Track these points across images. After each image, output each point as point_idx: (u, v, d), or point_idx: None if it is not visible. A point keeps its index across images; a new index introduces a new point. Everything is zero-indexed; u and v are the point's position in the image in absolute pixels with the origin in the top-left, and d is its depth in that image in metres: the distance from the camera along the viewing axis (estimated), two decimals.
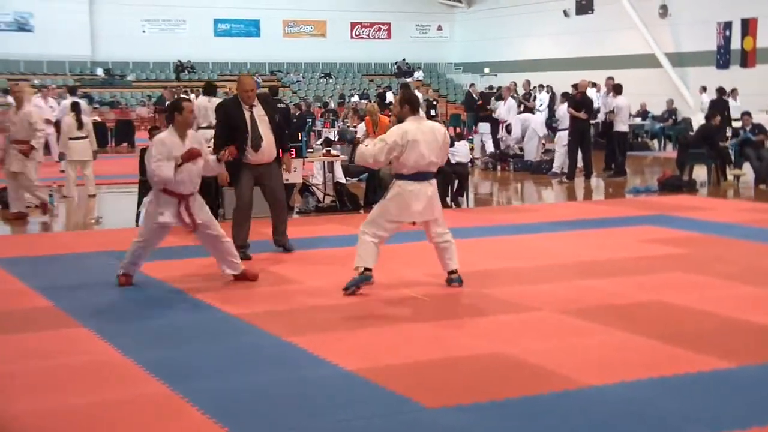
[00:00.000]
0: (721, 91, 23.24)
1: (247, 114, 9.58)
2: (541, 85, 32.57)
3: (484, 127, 22.54)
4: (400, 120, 8.10)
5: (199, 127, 15.40)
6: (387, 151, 7.89)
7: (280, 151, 10.04)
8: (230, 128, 9.58)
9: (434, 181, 8.20)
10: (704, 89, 27.40)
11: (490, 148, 21.53)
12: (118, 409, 5.18)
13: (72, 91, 21.78)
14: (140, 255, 8.52)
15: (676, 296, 7.80)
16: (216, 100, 16.32)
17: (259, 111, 9.66)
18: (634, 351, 6.27)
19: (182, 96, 13.52)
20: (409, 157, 7.89)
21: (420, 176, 7.99)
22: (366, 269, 8.03)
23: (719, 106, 22.29)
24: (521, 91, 27.97)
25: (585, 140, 18.13)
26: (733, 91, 25.64)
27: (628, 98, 19.60)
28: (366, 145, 8.30)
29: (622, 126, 18.92)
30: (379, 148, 7.92)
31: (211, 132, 14.95)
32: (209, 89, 16.90)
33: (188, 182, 8.23)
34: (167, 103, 24.04)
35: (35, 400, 5.35)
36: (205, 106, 16.09)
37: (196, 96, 26.06)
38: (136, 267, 8.59)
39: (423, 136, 7.92)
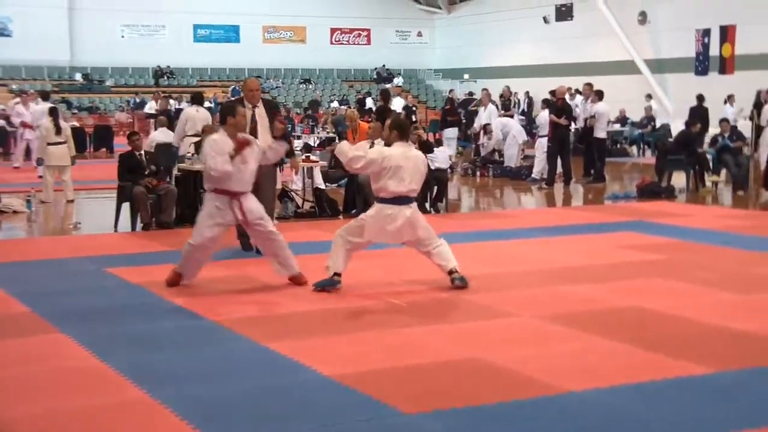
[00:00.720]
0: (700, 98, 23.40)
1: (249, 113, 9.80)
2: (526, 93, 32.77)
3: (451, 132, 22.58)
4: (388, 144, 8.33)
5: (186, 136, 15.30)
6: (364, 162, 8.11)
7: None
8: None
9: (414, 205, 8.35)
10: (650, 97, 27.72)
11: (452, 152, 21.62)
12: (97, 416, 5.16)
13: (45, 96, 21.60)
14: (196, 259, 8.50)
15: (655, 302, 7.83)
16: (203, 110, 16.28)
17: (261, 112, 10.03)
18: (612, 357, 6.29)
19: (231, 101, 13.25)
20: (391, 182, 8.09)
21: (399, 200, 8.18)
22: (336, 274, 8.20)
23: (698, 113, 22.46)
24: (497, 99, 28.05)
25: (565, 146, 18.20)
26: (730, 98, 25.76)
27: (609, 105, 19.70)
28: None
29: (601, 132, 19.00)
30: (358, 156, 8.11)
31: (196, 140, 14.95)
32: (197, 98, 16.76)
33: (241, 180, 8.35)
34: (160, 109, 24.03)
35: (14, 406, 5.31)
36: (193, 115, 15.86)
37: (178, 102, 26.04)
38: (193, 271, 8.57)
39: (406, 163, 8.14)
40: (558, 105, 18.35)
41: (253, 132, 9.75)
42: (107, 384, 5.73)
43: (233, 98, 11.94)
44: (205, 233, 8.38)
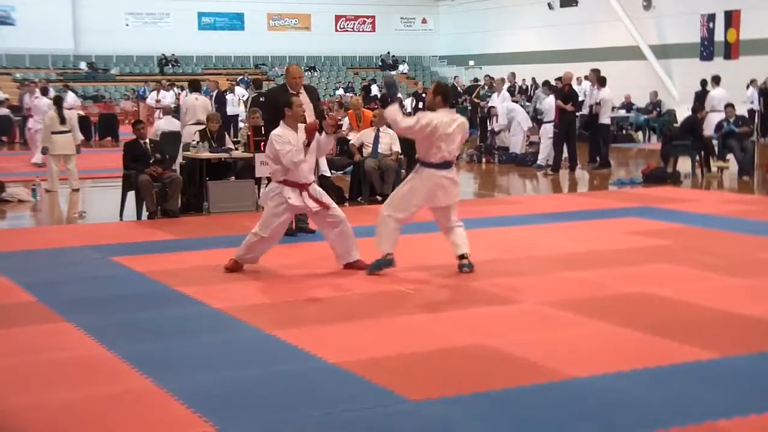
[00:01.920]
0: (704, 83, 23.36)
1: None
2: (533, 79, 32.65)
3: None
4: (432, 109, 8.42)
5: (187, 124, 15.30)
6: (417, 125, 8.24)
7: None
8: (279, 113, 10.01)
9: (454, 168, 8.59)
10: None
11: None
12: (103, 404, 5.17)
13: (44, 91, 21.00)
14: (261, 249, 8.67)
15: (661, 288, 7.82)
16: (202, 98, 16.23)
17: (304, 98, 10.20)
18: (619, 342, 6.29)
19: (273, 89, 13.14)
20: (440, 147, 8.27)
21: (445, 165, 8.38)
22: (388, 254, 8.39)
23: (702, 98, 22.44)
24: (506, 84, 27.93)
25: (571, 133, 18.16)
26: (753, 82, 25.62)
27: (614, 91, 19.64)
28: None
29: (605, 118, 18.94)
30: (410, 124, 8.28)
31: (197, 128, 14.93)
32: (195, 86, 16.71)
33: (308, 171, 8.54)
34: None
35: (21, 395, 5.33)
36: (192, 104, 15.86)
37: (181, 90, 25.87)
38: (255, 259, 8.74)
39: (453, 128, 8.30)
40: (564, 91, 18.30)
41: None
42: (113, 373, 5.73)
43: (276, 86, 12.00)
44: (274, 224, 8.53)
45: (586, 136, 19.94)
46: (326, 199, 8.66)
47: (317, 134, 8.53)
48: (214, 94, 22.11)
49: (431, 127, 8.21)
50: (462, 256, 8.50)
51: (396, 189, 8.84)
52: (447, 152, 8.34)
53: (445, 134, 8.26)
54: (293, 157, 8.31)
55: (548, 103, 18.89)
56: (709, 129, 18.04)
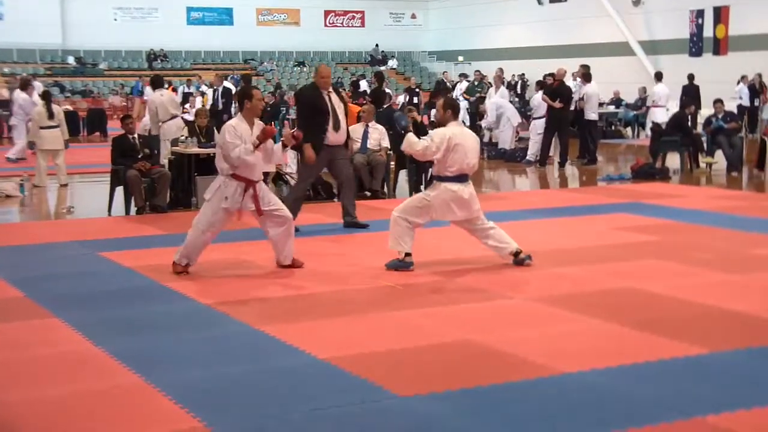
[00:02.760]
0: (691, 77, 23.55)
1: (326, 98, 10.39)
2: (521, 75, 32.66)
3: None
4: (442, 124, 8.50)
5: (162, 122, 15.14)
6: (435, 149, 8.27)
7: None
8: (314, 112, 10.38)
9: (470, 182, 8.60)
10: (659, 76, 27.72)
11: None
12: (91, 400, 5.15)
13: (23, 85, 20.41)
14: (202, 242, 8.41)
15: (649, 283, 7.83)
16: (167, 92, 16.02)
17: (334, 97, 10.51)
18: (607, 338, 6.29)
19: (305, 86, 12.88)
20: (455, 160, 8.30)
21: (461, 178, 8.42)
22: (407, 254, 8.41)
23: (691, 93, 22.62)
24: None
25: (562, 128, 18.17)
26: (744, 77, 25.64)
27: (603, 86, 19.68)
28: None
29: (591, 114, 18.96)
30: (426, 145, 8.29)
31: (176, 123, 14.86)
32: (157, 82, 16.11)
33: (257, 169, 8.34)
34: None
35: (9, 391, 5.31)
36: (159, 100, 15.44)
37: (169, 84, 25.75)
38: (196, 255, 8.49)
39: (465, 141, 8.38)
40: (553, 86, 18.30)
41: (335, 115, 10.31)
42: (101, 369, 5.72)
43: (306, 85, 12.02)
44: (213, 216, 8.31)
45: (573, 132, 19.97)
46: (269, 202, 8.40)
47: (272, 141, 8.41)
48: (221, 89, 22.14)
49: (447, 142, 8.24)
50: (516, 254, 8.57)
51: (410, 198, 8.82)
52: (465, 164, 8.37)
53: (461, 146, 8.30)
54: (242, 153, 8.08)
55: (537, 99, 18.90)
56: (651, 123, 18.63)
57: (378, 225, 8.88)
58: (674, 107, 20.47)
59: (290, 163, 14.93)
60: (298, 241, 8.85)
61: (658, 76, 23.04)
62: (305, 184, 10.97)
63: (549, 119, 18.04)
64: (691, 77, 24.23)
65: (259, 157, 8.29)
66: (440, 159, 8.33)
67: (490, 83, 25.85)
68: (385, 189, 13.83)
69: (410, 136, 8.44)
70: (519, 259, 8.58)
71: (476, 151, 8.56)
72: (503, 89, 22.28)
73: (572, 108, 19.21)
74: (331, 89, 10.56)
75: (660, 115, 21.49)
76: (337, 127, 10.42)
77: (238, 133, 8.19)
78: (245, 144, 8.13)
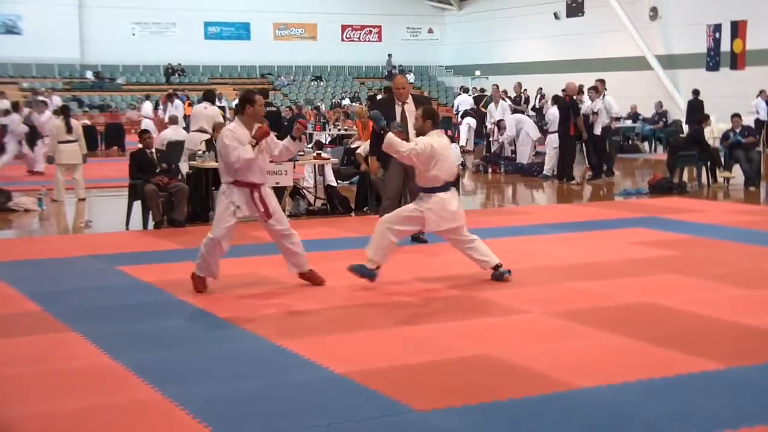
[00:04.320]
0: (696, 92, 23.64)
1: (398, 109, 10.40)
2: (539, 89, 32.60)
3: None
4: (422, 134, 8.51)
5: (192, 131, 15.41)
6: (415, 153, 8.29)
7: None
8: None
9: (454, 190, 8.65)
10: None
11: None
12: (109, 414, 5.17)
13: (15, 106, 21.10)
14: (216, 253, 8.28)
15: (666, 298, 7.81)
16: (212, 108, 16.23)
17: (410, 107, 10.34)
18: (624, 353, 6.28)
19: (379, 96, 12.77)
20: (442, 169, 8.34)
21: (447, 186, 8.44)
22: (377, 266, 8.40)
23: (695, 107, 22.68)
24: (512, 94, 27.96)
25: (563, 143, 18.13)
26: (762, 92, 25.47)
27: (620, 101, 19.63)
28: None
29: (598, 129, 18.87)
30: (410, 147, 8.32)
31: (201, 136, 15.01)
32: (207, 96, 16.71)
33: (258, 171, 8.27)
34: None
35: (27, 404, 5.34)
36: (200, 112, 15.94)
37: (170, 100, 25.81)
38: (213, 268, 8.37)
39: (447, 150, 8.47)
40: (566, 101, 18.30)
41: (406, 126, 10.13)
42: (119, 383, 5.74)
43: (384, 96, 12.12)
44: (224, 225, 8.21)
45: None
46: (274, 208, 8.34)
47: (273, 137, 8.40)
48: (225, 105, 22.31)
49: (431, 148, 8.25)
50: (496, 267, 8.56)
51: (400, 208, 8.82)
52: (446, 174, 8.40)
53: (443, 156, 8.33)
54: (242, 153, 8.01)
55: (553, 114, 18.88)
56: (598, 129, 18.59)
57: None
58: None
59: (307, 177, 14.99)
60: (312, 255, 8.85)
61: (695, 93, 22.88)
62: (391, 202, 10.49)
63: (573, 134, 18.04)
64: (696, 92, 24.30)
65: (260, 158, 8.24)
66: (424, 170, 8.33)
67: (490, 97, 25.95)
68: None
69: (391, 137, 8.38)
70: (498, 273, 8.54)
71: (456, 158, 8.53)
72: (503, 103, 22.34)
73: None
74: (409, 100, 10.50)
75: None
76: (408, 139, 10.35)
77: (237, 136, 8.16)
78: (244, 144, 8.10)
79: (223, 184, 8.38)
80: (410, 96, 10.61)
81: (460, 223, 8.51)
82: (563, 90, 18.99)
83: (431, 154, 8.26)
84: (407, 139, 10.13)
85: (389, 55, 45.63)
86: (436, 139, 8.41)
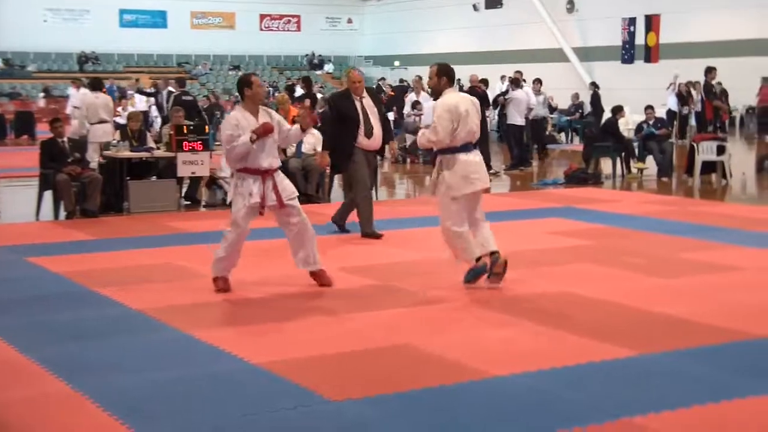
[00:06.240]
0: (594, 85, 24.35)
1: (358, 104, 10.25)
2: (458, 80, 32.76)
3: None
4: (438, 92, 7.88)
5: (93, 123, 14.96)
6: (443, 131, 7.62)
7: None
8: (343, 118, 10.26)
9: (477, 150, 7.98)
10: (594, 85, 28.03)
11: None
12: (18, 408, 5.04)
13: None
14: (236, 246, 7.85)
15: (581, 287, 7.89)
16: (102, 95, 15.80)
17: (368, 102, 10.32)
18: (540, 341, 6.33)
19: (336, 93, 12.07)
20: (462, 130, 7.69)
21: (468, 147, 7.82)
22: (477, 258, 7.86)
23: (596, 100, 23.43)
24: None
25: (482, 134, 18.28)
26: (671, 85, 25.97)
27: (524, 92, 19.88)
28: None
29: (518, 119, 19.11)
30: (436, 133, 7.65)
31: (104, 128, 14.69)
32: (96, 84, 16.03)
33: (265, 155, 7.72)
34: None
35: None
36: (92, 102, 15.29)
37: (77, 88, 25.12)
38: (233, 262, 7.93)
39: (468, 107, 7.75)
40: (478, 93, 18.42)
41: (366, 121, 10.15)
42: (27, 376, 5.60)
43: (339, 90, 11.84)
44: (240, 217, 7.76)
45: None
46: (290, 191, 7.92)
47: (282, 119, 8.06)
48: (165, 93, 21.81)
49: (457, 112, 7.61)
50: (493, 253, 7.96)
51: (440, 206, 7.98)
52: (466, 132, 7.72)
53: (462, 114, 7.66)
54: (239, 144, 7.55)
55: None
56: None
57: (316, 229, 8.75)
58: (607, 113, 20.71)
59: (224, 167, 14.80)
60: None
61: (485, 83, 23.04)
62: (362, 190, 10.33)
63: None
64: (594, 85, 25.13)
65: (269, 142, 7.74)
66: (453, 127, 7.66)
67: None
68: (320, 193, 13.78)
69: (421, 136, 7.86)
70: (493, 259, 7.96)
71: (478, 115, 7.90)
72: (423, 94, 22.39)
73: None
74: (365, 94, 10.33)
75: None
76: (369, 134, 10.26)
77: (241, 124, 7.66)
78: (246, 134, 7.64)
79: (235, 175, 7.91)
80: (365, 91, 10.37)
81: (486, 185, 7.92)
82: (470, 82, 19.20)
83: (450, 119, 7.59)
84: (371, 133, 10.22)
85: (312, 53, 45.51)
86: (456, 98, 7.78)
